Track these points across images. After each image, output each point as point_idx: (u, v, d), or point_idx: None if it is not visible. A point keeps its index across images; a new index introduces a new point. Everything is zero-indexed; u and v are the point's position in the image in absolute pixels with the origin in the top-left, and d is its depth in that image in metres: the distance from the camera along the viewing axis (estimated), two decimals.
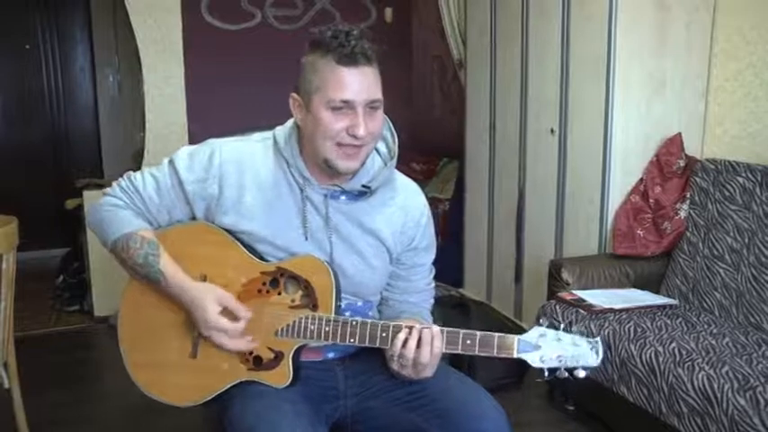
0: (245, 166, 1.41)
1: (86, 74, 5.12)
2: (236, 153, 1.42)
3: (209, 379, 1.41)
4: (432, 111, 4.62)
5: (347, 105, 1.32)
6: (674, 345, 2.09)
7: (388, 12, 4.64)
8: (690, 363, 1.98)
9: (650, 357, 2.08)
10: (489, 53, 3.44)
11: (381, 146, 1.49)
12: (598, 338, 1.31)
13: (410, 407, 1.41)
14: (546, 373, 1.31)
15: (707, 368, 1.93)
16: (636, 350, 2.13)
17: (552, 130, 2.97)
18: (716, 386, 1.87)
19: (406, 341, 1.32)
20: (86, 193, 3.66)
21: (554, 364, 1.30)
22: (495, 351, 1.31)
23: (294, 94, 1.39)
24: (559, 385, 2.62)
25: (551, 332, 1.31)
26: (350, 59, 1.30)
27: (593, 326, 2.29)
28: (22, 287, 2.25)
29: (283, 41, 4.34)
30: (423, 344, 1.31)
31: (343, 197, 1.44)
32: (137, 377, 1.48)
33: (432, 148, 4.42)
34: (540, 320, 1.34)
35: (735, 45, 2.66)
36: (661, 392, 2.02)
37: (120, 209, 1.44)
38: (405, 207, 1.50)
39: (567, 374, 1.30)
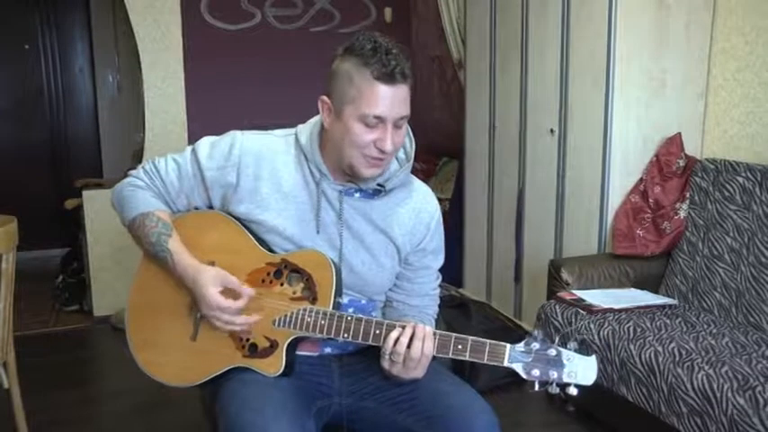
0: (264, 157, 1.46)
1: (86, 74, 5.12)
2: (257, 145, 1.47)
3: (206, 362, 1.44)
4: (431, 110, 4.62)
5: (379, 120, 1.35)
6: (673, 345, 2.09)
7: (388, 11, 4.64)
8: (689, 363, 1.98)
9: (650, 357, 2.08)
10: (489, 53, 3.45)
11: (399, 150, 1.52)
12: (593, 356, 1.29)
13: (401, 408, 1.42)
14: (536, 386, 1.30)
15: (706, 368, 1.93)
16: (635, 350, 2.13)
17: (552, 131, 2.97)
18: (715, 386, 1.87)
19: (397, 339, 1.33)
20: (86, 193, 3.66)
21: (544, 378, 1.29)
22: (486, 358, 1.31)
23: (324, 98, 1.41)
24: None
25: (545, 346, 1.30)
26: (389, 78, 1.33)
27: (592, 326, 2.30)
28: (21, 287, 2.25)
29: (283, 41, 4.35)
30: (414, 339, 1.33)
31: (357, 194, 1.48)
32: (139, 357, 1.51)
33: (431, 148, 4.42)
34: (535, 332, 1.33)
35: (734, 45, 2.66)
36: (660, 392, 2.02)
37: (140, 189, 1.49)
38: (417, 209, 1.53)
39: (558, 390, 1.29)
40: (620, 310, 2.35)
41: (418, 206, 1.53)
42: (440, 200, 4.53)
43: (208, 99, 4.04)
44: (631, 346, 2.15)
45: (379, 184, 1.46)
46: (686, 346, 2.08)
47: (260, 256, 1.44)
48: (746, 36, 2.62)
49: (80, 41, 5.05)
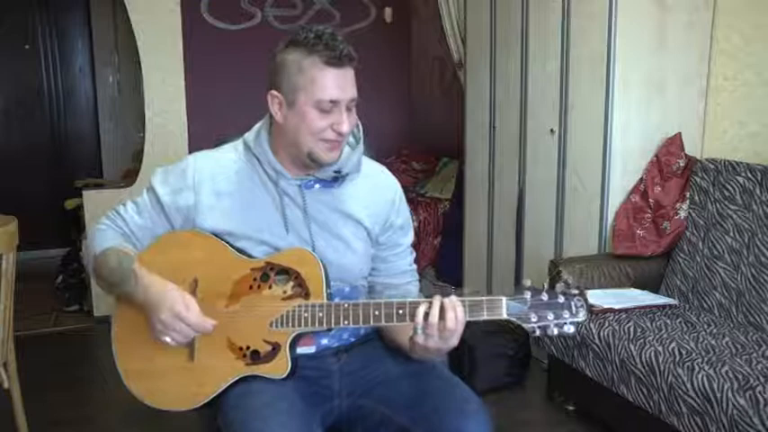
0: (219, 173, 1.48)
1: (86, 74, 5.12)
2: (209, 162, 1.49)
3: (209, 379, 1.42)
4: (431, 110, 4.62)
5: (334, 105, 1.38)
6: (673, 345, 2.09)
7: (388, 12, 4.65)
8: (689, 362, 1.98)
9: (650, 357, 2.08)
10: (489, 53, 3.44)
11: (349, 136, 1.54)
12: (580, 297, 1.32)
13: (397, 406, 1.43)
14: (537, 332, 1.32)
15: (706, 368, 1.93)
16: (636, 350, 2.13)
17: (552, 131, 2.97)
18: (715, 386, 1.87)
19: (426, 313, 1.32)
20: (86, 193, 3.66)
21: (543, 323, 1.31)
22: (486, 314, 1.33)
23: (274, 92, 1.42)
24: (559, 385, 2.62)
25: (537, 292, 1.33)
26: (338, 61, 1.37)
27: (592, 326, 2.30)
28: (22, 287, 2.25)
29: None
30: (446, 311, 1.32)
31: (317, 185, 1.49)
32: (133, 387, 1.48)
33: (431, 148, 4.43)
34: (523, 281, 1.36)
35: (735, 45, 2.66)
36: (661, 392, 2.02)
37: (104, 231, 1.49)
38: (375, 189, 1.55)
39: (556, 331, 1.32)
40: (620, 310, 2.35)
41: (374, 182, 1.56)
42: (440, 200, 4.53)
43: (208, 99, 4.04)
44: (631, 346, 2.15)
45: (335, 171, 1.47)
46: (686, 346, 2.08)
47: (242, 264, 1.43)
48: (746, 36, 2.62)
49: (80, 41, 5.05)
